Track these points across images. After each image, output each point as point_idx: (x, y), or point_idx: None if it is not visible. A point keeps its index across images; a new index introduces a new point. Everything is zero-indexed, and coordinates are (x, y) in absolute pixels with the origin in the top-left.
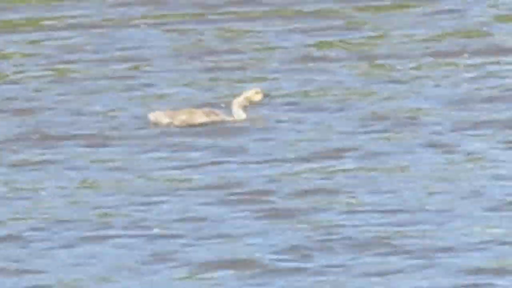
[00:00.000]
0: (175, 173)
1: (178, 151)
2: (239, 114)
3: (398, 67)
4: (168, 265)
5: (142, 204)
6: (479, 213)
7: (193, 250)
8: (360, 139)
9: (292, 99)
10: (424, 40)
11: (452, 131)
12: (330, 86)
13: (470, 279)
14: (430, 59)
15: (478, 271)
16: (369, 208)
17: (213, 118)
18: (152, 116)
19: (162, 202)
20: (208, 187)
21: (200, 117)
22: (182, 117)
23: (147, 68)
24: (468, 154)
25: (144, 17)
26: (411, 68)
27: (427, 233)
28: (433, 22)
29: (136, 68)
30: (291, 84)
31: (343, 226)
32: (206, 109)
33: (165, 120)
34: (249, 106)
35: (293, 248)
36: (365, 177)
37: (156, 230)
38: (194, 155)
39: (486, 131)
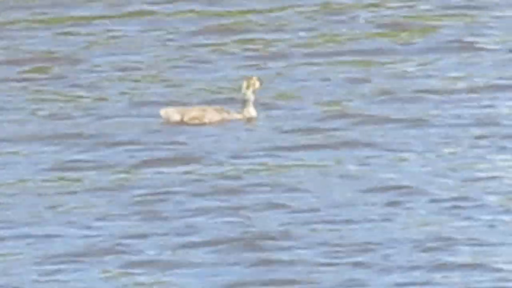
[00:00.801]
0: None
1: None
2: (250, 111)
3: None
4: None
5: None
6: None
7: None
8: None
9: None
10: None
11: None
12: None
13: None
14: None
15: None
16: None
17: (224, 116)
18: (163, 112)
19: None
20: None
21: (211, 114)
22: (192, 114)
23: None
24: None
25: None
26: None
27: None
28: None
29: None
30: None
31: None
32: (218, 107)
33: (175, 117)
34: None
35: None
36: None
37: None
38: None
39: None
